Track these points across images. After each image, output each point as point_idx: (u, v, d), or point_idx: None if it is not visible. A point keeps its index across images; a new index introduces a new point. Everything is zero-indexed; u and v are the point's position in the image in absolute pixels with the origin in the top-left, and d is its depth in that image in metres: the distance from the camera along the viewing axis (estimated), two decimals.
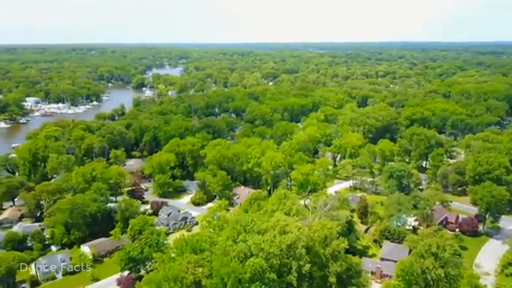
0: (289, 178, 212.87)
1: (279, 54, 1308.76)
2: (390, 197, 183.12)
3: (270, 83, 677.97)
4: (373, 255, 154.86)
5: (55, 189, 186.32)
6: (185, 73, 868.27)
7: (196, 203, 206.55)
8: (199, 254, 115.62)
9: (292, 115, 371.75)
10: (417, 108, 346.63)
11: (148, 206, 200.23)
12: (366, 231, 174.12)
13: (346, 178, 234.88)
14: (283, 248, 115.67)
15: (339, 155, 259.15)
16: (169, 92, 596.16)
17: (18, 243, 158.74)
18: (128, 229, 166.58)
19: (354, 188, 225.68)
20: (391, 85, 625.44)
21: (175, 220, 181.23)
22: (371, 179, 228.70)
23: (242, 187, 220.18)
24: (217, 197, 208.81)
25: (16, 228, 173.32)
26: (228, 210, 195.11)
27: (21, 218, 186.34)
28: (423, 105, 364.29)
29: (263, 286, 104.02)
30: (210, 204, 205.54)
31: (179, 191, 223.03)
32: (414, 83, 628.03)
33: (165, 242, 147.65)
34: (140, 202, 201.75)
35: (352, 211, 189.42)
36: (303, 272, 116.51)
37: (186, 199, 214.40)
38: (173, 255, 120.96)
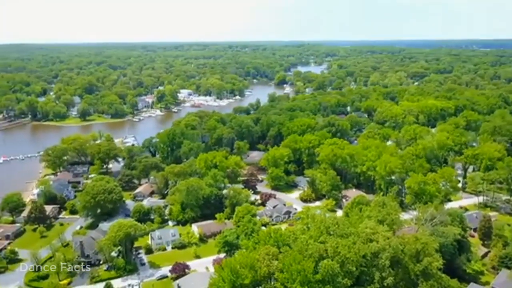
0: (404, 186, 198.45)
1: (434, 53, 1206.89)
2: None
3: (415, 83, 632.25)
4: (486, 283, 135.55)
5: (180, 172, 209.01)
6: (326, 71, 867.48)
7: (304, 200, 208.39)
8: (281, 248, 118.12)
9: (429, 119, 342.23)
10: None
11: (259, 196, 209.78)
12: (485, 255, 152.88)
13: (477, 193, 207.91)
14: (365, 255, 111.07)
15: (471, 167, 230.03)
16: (307, 89, 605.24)
17: (143, 215, 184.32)
18: (234, 215, 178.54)
19: (484, 206, 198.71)
20: None
21: (279, 213, 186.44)
22: (507, 197, 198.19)
23: (354, 189, 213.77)
24: (326, 197, 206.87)
25: (145, 201, 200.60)
26: (334, 211, 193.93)
27: (151, 193, 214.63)
28: None
29: None
30: (317, 203, 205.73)
31: (291, 186, 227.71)
32: None
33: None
34: (252, 192, 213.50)
35: (474, 230, 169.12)
36: (385, 284, 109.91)
37: (295, 194, 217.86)
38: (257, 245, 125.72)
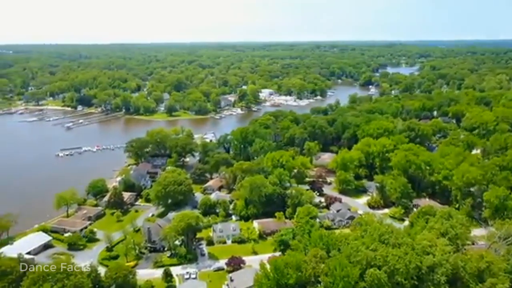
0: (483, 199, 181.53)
1: None
2: None
3: None
4: None
5: (247, 169, 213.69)
6: (416, 73, 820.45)
7: (371, 206, 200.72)
8: (331, 251, 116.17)
9: None
10: None
11: (323, 199, 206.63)
12: None
13: None
14: (420, 268, 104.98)
15: None
16: (392, 91, 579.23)
17: (209, 207, 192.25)
18: (295, 216, 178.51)
19: None
20: None
21: (342, 217, 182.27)
22: None
23: (427, 199, 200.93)
24: (396, 204, 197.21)
25: (213, 195, 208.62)
26: (403, 220, 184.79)
27: (220, 188, 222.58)
28: None
29: None
30: (386, 210, 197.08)
31: (360, 191, 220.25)
32: None
33: None
34: (318, 194, 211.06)
35: None
36: None
37: (363, 199, 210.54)
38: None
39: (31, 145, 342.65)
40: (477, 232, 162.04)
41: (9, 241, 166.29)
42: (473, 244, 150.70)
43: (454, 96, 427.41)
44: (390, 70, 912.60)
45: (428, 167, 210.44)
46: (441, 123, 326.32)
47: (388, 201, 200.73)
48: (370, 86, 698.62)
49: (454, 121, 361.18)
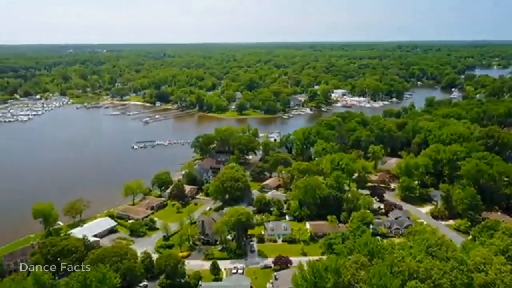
0: None
1: None
2: None
3: None
4: None
5: (305, 169, 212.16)
6: (509, 75, 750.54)
7: (434, 216, 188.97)
8: (374, 259, 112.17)
9: None
10: None
11: (383, 205, 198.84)
12: None
13: None
14: (472, 286, 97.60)
15: None
16: (477, 95, 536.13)
17: (264, 205, 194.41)
18: (349, 220, 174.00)
19: None
20: None
21: (399, 225, 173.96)
22: None
23: (499, 213, 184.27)
24: (462, 216, 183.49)
25: (269, 193, 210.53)
26: (467, 233, 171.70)
27: (277, 187, 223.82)
28: None
29: None
30: (451, 221, 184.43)
31: (424, 199, 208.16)
32: None
33: None
34: (378, 200, 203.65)
35: None
36: None
37: (427, 209, 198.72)
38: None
39: (111, 136, 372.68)
40: None
41: (80, 223, 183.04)
42: None
43: None
44: (478, 72, 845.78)
45: (506, 178, 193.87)
46: None
47: (455, 212, 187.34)
48: (453, 89, 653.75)
49: None
